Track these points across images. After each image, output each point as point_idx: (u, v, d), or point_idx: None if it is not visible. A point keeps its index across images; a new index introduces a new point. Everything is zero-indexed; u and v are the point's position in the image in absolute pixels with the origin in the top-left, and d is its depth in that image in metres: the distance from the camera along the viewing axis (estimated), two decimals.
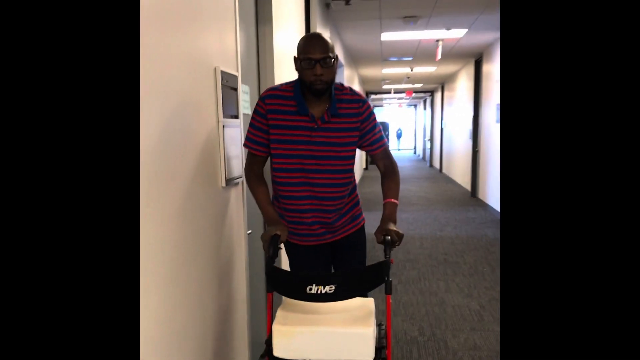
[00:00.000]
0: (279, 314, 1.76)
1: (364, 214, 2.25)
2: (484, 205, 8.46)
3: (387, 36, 7.16)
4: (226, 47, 2.03)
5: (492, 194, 8.03)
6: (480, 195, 9.02)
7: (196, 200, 1.73)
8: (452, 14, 5.89)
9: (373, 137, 2.06)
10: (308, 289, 1.66)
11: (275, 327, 1.66)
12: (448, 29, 6.66)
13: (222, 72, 1.92)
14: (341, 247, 2.18)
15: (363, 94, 15.46)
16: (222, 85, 1.93)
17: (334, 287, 1.65)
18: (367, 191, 10.42)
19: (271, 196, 2.09)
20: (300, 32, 4.01)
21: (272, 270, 1.75)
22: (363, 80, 13.54)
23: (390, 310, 1.74)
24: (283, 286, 1.75)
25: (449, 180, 12.57)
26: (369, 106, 2.05)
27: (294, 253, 2.17)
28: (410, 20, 6.07)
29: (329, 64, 1.88)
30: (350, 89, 2.05)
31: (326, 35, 1.96)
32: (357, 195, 2.20)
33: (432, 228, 6.72)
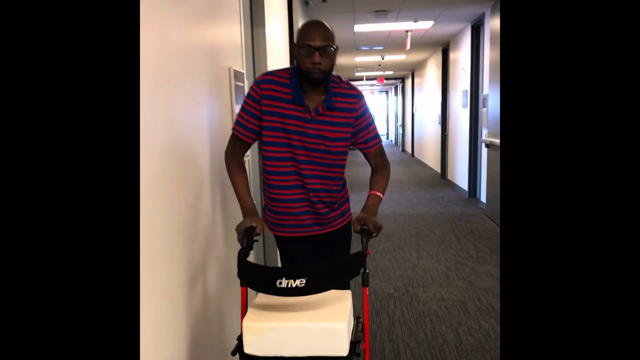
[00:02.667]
0: (251, 309, 1.70)
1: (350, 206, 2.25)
2: (453, 186, 9.06)
3: (359, 28, 7.64)
4: (234, 47, 2.49)
5: (460, 175, 8.62)
6: (450, 177, 9.62)
7: (211, 181, 2.02)
8: (418, 8, 6.40)
9: (368, 135, 2.02)
10: (278, 282, 1.60)
11: (246, 323, 1.60)
12: (415, 21, 7.17)
13: (234, 71, 2.38)
14: (328, 242, 2.14)
15: None
16: (235, 83, 2.39)
17: (304, 281, 1.59)
18: (349, 174, 10.93)
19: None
20: (285, 28, 4.46)
21: (243, 263, 1.70)
22: (337, 68, 13.98)
23: (368, 303, 1.71)
24: (253, 280, 1.69)
25: (421, 164, 13.17)
26: (365, 102, 2.00)
27: (283, 246, 2.15)
28: (380, 14, 6.56)
29: (329, 52, 1.82)
30: (348, 82, 2.00)
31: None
32: (347, 191, 2.18)
33: (405, 207, 7.27)
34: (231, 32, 2.44)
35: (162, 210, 1.48)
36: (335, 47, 1.85)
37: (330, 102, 1.91)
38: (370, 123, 2.02)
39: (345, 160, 2.02)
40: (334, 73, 1.96)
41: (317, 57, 1.80)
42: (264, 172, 2.00)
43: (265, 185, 2.04)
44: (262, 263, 3.43)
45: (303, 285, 1.59)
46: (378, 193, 1.97)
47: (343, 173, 2.06)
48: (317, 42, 1.80)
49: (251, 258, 2.84)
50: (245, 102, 1.93)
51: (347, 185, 2.19)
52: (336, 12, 6.42)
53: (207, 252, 1.94)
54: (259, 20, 3.32)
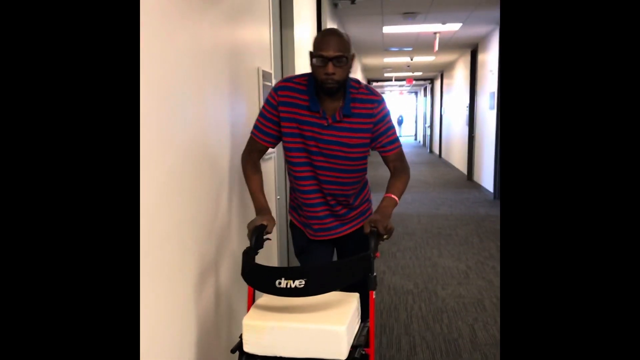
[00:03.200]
0: (253, 308, 1.70)
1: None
2: (478, 187, 9.07)
3: (388, 29, 7.73)
4: (263, 48, 2.63)
5: (485, 176, 8.63)
6: (475, 178, 9.62)
7: (230, 179, 2.11)
8: (447, 10, 6.46)
9: (387, 139, 2.00)
10: (277, 282, 1.60)
11: (246, 322, 1.61)
12: (444, 23, 7.23)
13: (262, 71, 2.52)
14: (349, 241, 2.15)
15: (364, 81, 15.66)
16: (263, 83, 2.53)
17: (304, 282, 1.58)
18: (369, 174, 11.02)
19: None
20: (313, 30, 4.59)
21: (246, 262, 1.71)
22: (365, 69, 14.08)
23: (374, 307, 1.72)
24: (254, 279, 1.70)
25: (447, 165, 13.16)
26: (385, 107, 1.99)
27: (301, 243, 2.18)
28: (409, 16, 6.64)
29: (343, 62, 1.83)
30: (367, 87, 1.99)
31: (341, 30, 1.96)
32: (367, 192, 2.19)
33: (429, 207, 7.34)
34: (260, 34, 2.58)
35: (182, 205, 1.54)
36: (349, 56, 1.85)
37: (347, 110, 1.91)
38: (390, 127, 2.00)
39: (365, 164, 2.02)
40: (357, 80, 1.99)
41: (330, 68, 1.80)
42: (290, 176, 2.05)
43: (292, 190, 2.09)
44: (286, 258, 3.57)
45: (302, 286, 1.58)
46: (393, 196, 1.93)
47: (363, 177, 2.07)
48: (330, 53, 1.79)
49: (272, 254, 2.96)
50: (263, 107, 1.97)
51: (369, 186, 2.19)
52: (365, 13, 6.53)
53: (221, 249, 1.97)
54: (288, 21, 3.46)
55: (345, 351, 1.55)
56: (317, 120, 1.91)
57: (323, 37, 1.83)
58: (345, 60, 1.82)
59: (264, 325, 1.58)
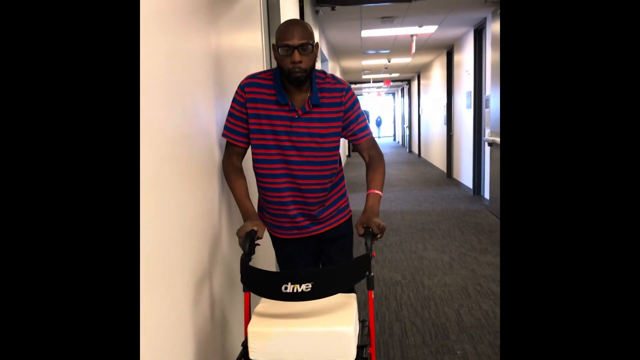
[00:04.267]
0: (255, 315, 1.68)
1: (350, 204, 2.21)
2: (458, 184, 9.35)
3: (366, 33, 7.96)
4: (257, 52, 2.83)
5: (464, 173, 8.91)
6: (455, 176, 9.91)
7: (220, 184, 2.06)
8: (423, 14, 6.71)
9: (357, 127, 2.00)
10: (283, 287, 1.58)
11: (251, 329, 1.58)
12: (420, 26, 7.49)
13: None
14: (327, 240, 2.12)
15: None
16: None
17: (310, 285, 1.57)
18: (352, 175, 11.24)
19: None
20: None
21: (246, 268, 1.67)
22: (344, 71, 14.32)
23: (373, 306, 1.74)
24: (258, 285, 1.67)
25: (427, 164, 13.46)
26: (353, 94, 1.98)
27: (280, 247, 2.15)
28: (387, 20, 6.88)
29: (308, 50, 1.80)
30: (333, 76, 1.97)
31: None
32: (343, 187, 2.15)
33: (411, 204, 7.58)
34: (254, 39, 2.78)
35: (169, 211, 1.48)
36: (314, 44, 1.83)
37: (316, 99, 1.89)
38: (360, 114, 1.99)
39: (337, 155, 2.01)
40: (323, 70, 1.98)
41: (296, 56, 1.77)
42: (256, 175, 2.01)
43: (259, 189, 2.04)
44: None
45: (309, 289, 1.57)
46: (377, 191, 1.95)
47: (336, 168, 2.04)
48: (294, 41, 1.77)
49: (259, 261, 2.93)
50: (231, 106, 1.94)
51: (345, 181, 2.18)
52: (344, 19, 6.75)
53: (213, 256, 1.92)
54: (275, 25, 3.66)
55: (353, 352, 1.56)
56: (287, 113, 1.89)
57: (286, 27, 1.80)
58: (310, 47, 1.80)
59: (269, 332, 1.57)
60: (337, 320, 1.60)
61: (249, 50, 2.64)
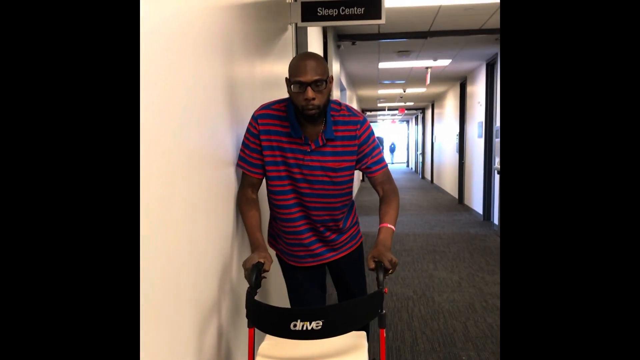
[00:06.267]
0: (260, 353, 1.63)
1: (360, 228, 2.22)
2: (469, 210, 9.66)
3: (383, 65, 8.42)
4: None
5: (475, 199, 9.23)
6: (466, 202, 10.22)
7: (235, 211, 2.02)
8: (437, 49, 7.15)
9: (372, 160, 1.94)
10: (292, 325, 1.47)
11: None
12: (435, 59, 7.93)
13: None
14: (341, 265, 2.11)
15: (359, 110, 16.17)
16: None
17: (321, 323, 1.47)
18: (365, 199, 11.59)
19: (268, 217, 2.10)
20: None
21: (252, 303, 1.57)
22: (360, 99, 14.80)
23: (385, 346, 1.67)
24: (264, 321, 1.55)
25: (439, 190, 13.78)
26: (368, 126, 1.93)
27: (290, 275, 2.13)
28: (403, 54, 7.34)
29: (322, 87, 1.74)
30: (347, 107, 1.93)
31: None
32: (355, 215, 2.14)
33: (423, 228, 7.91)
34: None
35: (180, 237, 1.41)
36: (328, 79, 1.77)
37: (330, 133, 1.85)
38: (375, 147, 1.94)
39: (350, 188, 1.98)
40: (338, 101, 1.95)
41: (310, 93, 1.72)
42: (271, 205, 2.00)
43: (275, 218, 2.03)
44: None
45: (319, 328, 1.47)
46: (389, 225, 1.85)
47: (349, 200, 2.02)
48: (308, 77, 1.72)
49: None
50: (245, 137, 1.91)
51: (356, 207, 2.17)
52: (363, 52, 7.21)
53: (222, 286, 1.84)
54: None
55: None
56: (300, 146, 1.85)
57: (299, 61, 1.75)
58: (324, 83, 1.75)
59: None
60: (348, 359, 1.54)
61: (281, 79, 3.07)
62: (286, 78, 1.82)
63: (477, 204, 9.08)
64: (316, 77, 1.73)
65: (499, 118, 7.35)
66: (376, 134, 2.20)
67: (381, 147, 2.02)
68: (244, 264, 1.71)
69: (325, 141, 1.86)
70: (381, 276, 1.66)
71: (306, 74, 1.73)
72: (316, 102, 1.75)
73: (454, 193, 11.61)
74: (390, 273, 1.71)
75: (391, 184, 1.98)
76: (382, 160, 1.97)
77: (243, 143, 1.93)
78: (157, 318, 1.24)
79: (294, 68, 1.76)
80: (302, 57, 1.78)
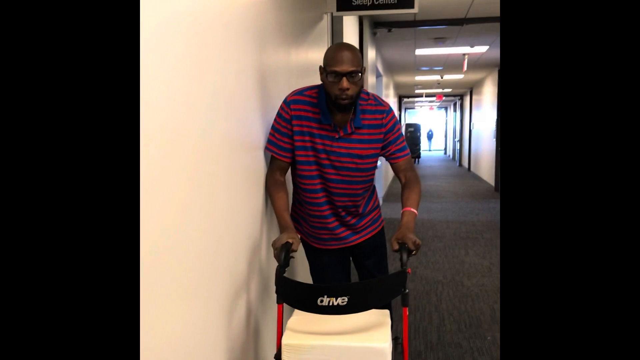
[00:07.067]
0: (289, 327, 1.69)
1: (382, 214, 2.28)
2: None
3: (420, 52, 8.43)
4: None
5: None
6: None
7: (265, 195, 2.11)
8: (474, 36, 7.12)
9: (396, 147, 2.02)
10: (319, 300, 1.56)
11: (285, 342, 1.59)
12: (472, 46, 7.89)
13: None
14: (363, 249, 2.18)
15: (397, 97, 16.00)
16: None
17: (346, 299, 1.55)
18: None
19: (291, 201, 2.12)
20: None
21: (281, 280, 1.66)
22: (397, 86, 14.77)
23: (407, 324, 1.73)
24: (293, 297, 1.65)
25: (476, 178, 13.69)
26: (394, 116, 2.01)
27: (314, 257, 2.20)
28: (439, 41, 7.34)
29: (357, 78, 1.81)
30: (375, 97, 2.00)
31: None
32: (376, 199, 2.20)
33: (457, 215, 7.94)
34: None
35: (217, 221, 1.51)
36: (362, 70, 1.84)
37: (358, 122, 1.93)
38: (399, 136, 2.02)
39: (373, 174, 2.06)
40: (366, 91, 2.00)
41: (345, 83, 1.79)
42: (298, 189, 2.07)
43: (301, 202, 2.10)
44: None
45: (345, 303, 1.55)
46: (412, 209, 1.91)
47: (371, 186, 2.10)
48: (344, 68, 1.78)
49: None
50: (276, 121, 1.97)
51: (376, 192, 2.24)
52: (400, 39, 7.25)
53: (252, 265, 1.93)
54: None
55: None
56: (329, 133, 1.93)
57: (335, 52, 1.81)
58: (359, 75, 1.82)
59: (304, 345, 1.58)
60: (373, 337, 1.61)
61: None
62: (321, 66, 1.89)
63: None
64: (352, 69, 1.79)
65: None
66: (413, 121, 2.30)
67: (403, 134, 2.10)
68: (274, 244, 1.79)
69: (353, 129, 1.94)
70: (405, 257, 1.72)
71: (342, 64, 1.79)
72: (350, 92, 1.81)
73: (491, 181, 11.53)
74: (414, 254, 1.78)
75: (413, 171, 2.06)
76: (405, 148, 2.06)
77: (273, 127, 1.99)
78: (194, 294, 1.35)
79: (330, 58, 1.82)
80: (338, 48, 1.84)
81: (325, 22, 3.65)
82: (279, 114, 1.98)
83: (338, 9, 3.36)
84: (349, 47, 1.86)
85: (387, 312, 1.81)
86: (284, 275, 1.70)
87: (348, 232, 2.12)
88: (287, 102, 1.97)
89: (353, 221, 2.11)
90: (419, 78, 12.54)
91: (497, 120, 10.48)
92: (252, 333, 1.96)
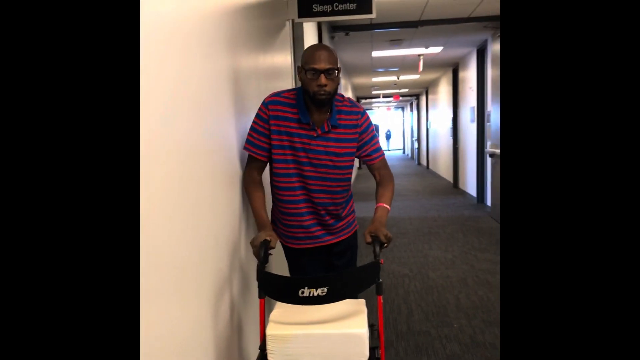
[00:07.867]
0: (272, 319, 1.77)
1: (355, 211, 2.36)
2: (463, 193, 9.92)
3: (376, 54, 8.63)
4: (287, 70, 3.51)
5: (469, 183, 9.49)
6: (461, 185, 10.48)
7: (241, 193, 2.18)
8: (429, 37, 7.36)
9: (371, 148, 2.12)
10: (300, 292, 1.66)
11: (269, 332, 1.67)
12: (427, 47, 8.14)
13: None
14: (337, 251, 2.26)
15: (354, 99, 16.25)
16: None
17: (326, 290, 1.65)
18: (361, 186, 11.84)
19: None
20: None
21: (263, 274, 1.76)
22: (355, 87, 14.99)
23: (382, 311, 1.86)
24: (275, 290, 1.76)
25: (435, 175, 14.03)
26: (368, 117, 2.12)
27: (293, 258, 2.27)
28: (395, 43, 7.55)
29: (334, 75, 1.92)
30: (350, 100, 2.11)
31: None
32: (352, 204, 2.30)
33: (419, 211, 8.16)
34: (285, 60, 3.46)
35: (201, 219, 1.58)
36: (338, 68, 1.96)
37: (334, 120, 2.03)
38: (374, 137, 2.13)
39: (350, 174, 2.15)
40: (341, 94, 2.12)
41: (323, 80, 1.90)
42: (275, 188, 2.14)
43: (276, 201, 2.17)
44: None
45: (325, 293, 1.66)
46: (385, 205, 2.05)
47: (349, 186, 2.19)
48: (322, 65, 1.90)
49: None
50: (254, 121, 2.05)
51: (353, 199, 2.33)
52: (357, 42, 7.42)
53: (233, 263, 2.00)
54: (299, 50, 4.34)
55: (367, 352, 1.69)
56: (307, 132, 2.02)
57: (314, 51, 1.93)
58: (335, 72, 1.94)
59: (288, 335, 1.67)
60: (351, 324, 1.72)
61: (281, 68, 3.31)
62: (299, 66, 2.00)
63: (471, 187, 9.34)
64: (329, 66, 1.92)
65: (489, 102, 7.58)
66: (372, 122, 2.49)
67: (377, 136, 2.19)
68: (252, 242, 1.89)
69: (330, 127, 2.03)
70: (377, 249, 1.85)
71: (320, 62, 1.91)
72: (328, 88, 1.93)
73: (449, 178, 11.86)
74: (385, 247, 1.91)
75: (387, 170, 2.19)
76: (380, 148, 2.18)
77: (251, 127, 2.07)
78: (180, 293, 1.42)
79: (309, 56, 1.94)
80: (316, 48, 1.96)
81: (288, 28, 3.76)
82: (257, 115, 2.06)
83: (300, 16, 3.47)
84: (326, 47, 1.97)
85: (363, 301, 1.92)
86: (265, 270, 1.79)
87: (323, 232, 2.19)
88: (265, 103, 2.05)
89: (331, 222, 2.18)
90: (376, 79, 12.77)
91: (453, 119, 10.80)
92: (235, 327, 2.04)
